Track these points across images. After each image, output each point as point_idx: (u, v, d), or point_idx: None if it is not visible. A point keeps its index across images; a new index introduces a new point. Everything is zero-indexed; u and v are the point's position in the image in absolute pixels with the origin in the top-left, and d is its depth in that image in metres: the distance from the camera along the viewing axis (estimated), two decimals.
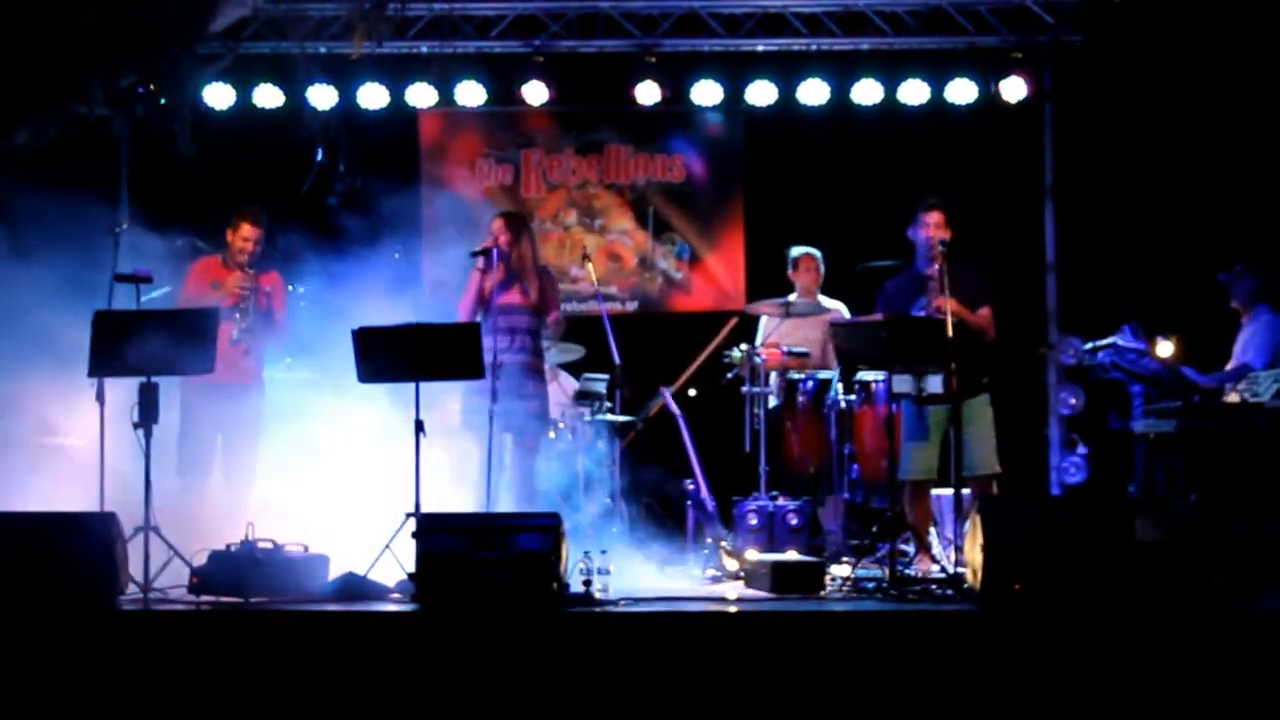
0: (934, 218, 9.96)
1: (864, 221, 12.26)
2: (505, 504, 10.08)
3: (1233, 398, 10.31)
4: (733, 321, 11.41)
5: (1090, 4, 12.49)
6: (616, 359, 10.63)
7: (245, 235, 10.30)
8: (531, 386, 10.08)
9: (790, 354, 11.16)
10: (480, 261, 10.08)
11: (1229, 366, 10.77)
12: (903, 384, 9.75)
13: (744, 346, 10.87)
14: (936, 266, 9.71)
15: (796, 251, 11.49)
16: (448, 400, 10.40)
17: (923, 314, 9.83)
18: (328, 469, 10.05)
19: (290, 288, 10.63)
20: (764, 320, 11.50)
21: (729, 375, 11.03)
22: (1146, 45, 12.19)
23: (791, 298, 11.24)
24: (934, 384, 9.84)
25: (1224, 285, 10.87)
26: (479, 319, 9.99)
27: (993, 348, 10.09)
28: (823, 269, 11.48)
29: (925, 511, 10.14)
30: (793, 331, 11.25)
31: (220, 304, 9.89)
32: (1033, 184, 12.99)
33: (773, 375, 10.97)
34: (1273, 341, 10.66)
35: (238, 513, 9.10)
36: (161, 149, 12.08)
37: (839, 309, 11.37)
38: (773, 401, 10.94)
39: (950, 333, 9.45)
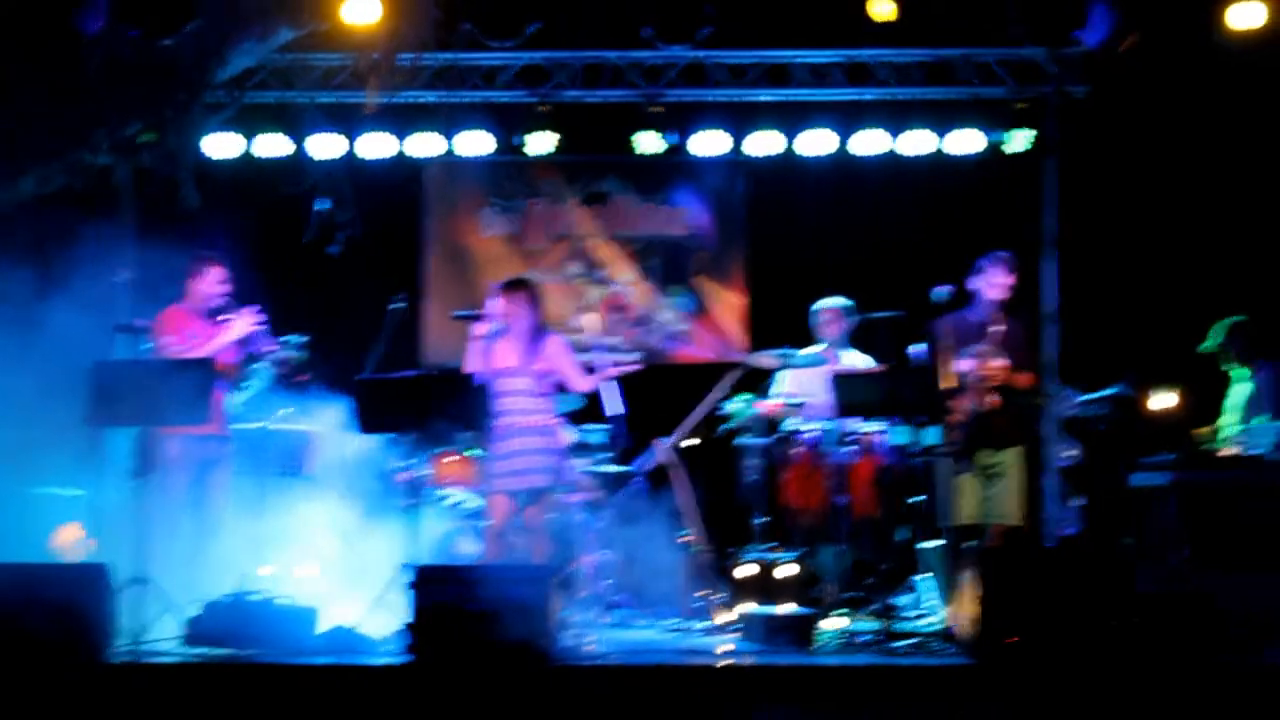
0: (1005, 279, 9.96)
1: (866, 272, 12.28)
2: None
3: (1230, 450, 10.28)
4: (734, 374, 11.38)
5: (1094, 56, 12.49)
6: (616, 410, 10.58)
7: (217, 279, 10.20)
8: (534, 442, 10.02)
9: (790, 405, 11.18)
10: (474, 328, 10.08)
11: (1225, 419, 10.71)
12: (901, 435, 9.78)
13: (741, 398, 10.86)
14: (996, 331, 9.73)
15: (817, 304, 11.49)
16: None
17: (971, 361, 9.81)
18: (322, 520, 10.08)
19: (292, 337, 10.61)
20: (781, 372, 11.45)
21: (725, 426, 11.03)
22: (1150, 98, 12.20)
23: (815, 349, 11.28)
24: (932, 436, 9.87)
25: (1214, 355, 10.84)
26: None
27: (1032, 403, 10.18)
28: (845, 320, 11.42)
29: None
30: (809, 383, 11.19)
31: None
32: (1034, 235, 12.95)
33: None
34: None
35: (229, 562, 9.13)
36: (167, 198, 12.12)
37: (862, 361, 11.27)
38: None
39: (999, 397, 9.69)
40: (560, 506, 10.89)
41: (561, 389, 10.24)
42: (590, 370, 10.19)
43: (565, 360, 10.17)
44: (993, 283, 9.93)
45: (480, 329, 10.04)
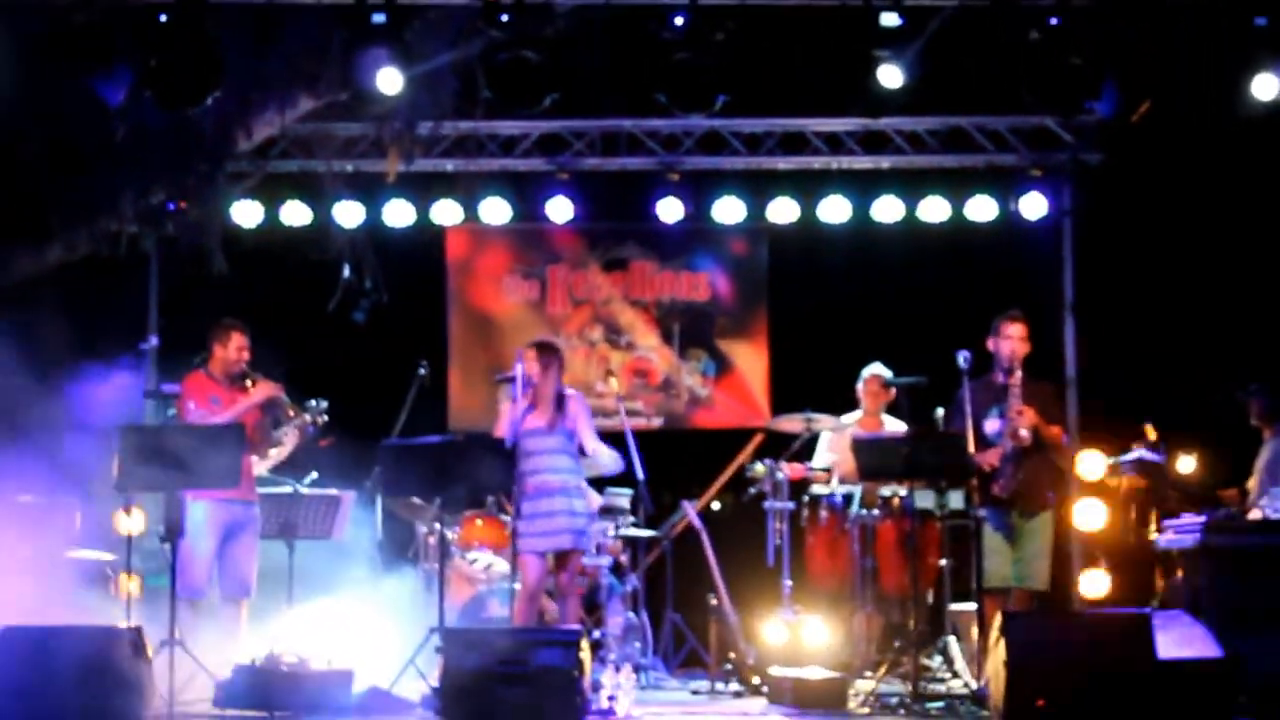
0: (1016, 329, 10.00)
1: (886, 338, 12.32)
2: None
3: (1255, 514, 10.29)
4: (758, 438, 11.43)
5: (1109, 124, 12.55)
6: (640, 474, 10.59)
7: (240, 345, 10.14)
8: (563, 504, 9.97)
9: (815, 469, 11.25)
10: (507, 390, 10.11)
11: (1252, 483, 10.75)
12: (925, 499, 9.82)
13: (766, 462, 10.90)
14: (1017, 376, 9.80)
15: (866, 371, 11.60)
16: None
17: (999, 423, 9.86)
18: (353, 583, 10.10)
19: (314, 402, 10.60)
20: (824, 436, 11.53)
21: (751, 490, 11.07)
22: (1164, 164, 12.27)
23: (854, 415, 11.37)
24: (956, 499, 9.90)
25: (1243, 403, 10.88)
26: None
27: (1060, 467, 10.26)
28: (889, 390, 11.45)
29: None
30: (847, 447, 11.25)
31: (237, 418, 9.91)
32: (1052, 300, 13.02)
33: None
34: None
35: (259, 626, 9.15)
36: (191, 266, 12.19)
37: (898, 427, 11.29)
38: None
39: (1029, 443, 9.73)
40: (589, 570, 10.92)
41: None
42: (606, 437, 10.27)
43: (583, 419, 10.22)
44: (1006, 336, 10.00)
45: (513, 392, 10.08)
